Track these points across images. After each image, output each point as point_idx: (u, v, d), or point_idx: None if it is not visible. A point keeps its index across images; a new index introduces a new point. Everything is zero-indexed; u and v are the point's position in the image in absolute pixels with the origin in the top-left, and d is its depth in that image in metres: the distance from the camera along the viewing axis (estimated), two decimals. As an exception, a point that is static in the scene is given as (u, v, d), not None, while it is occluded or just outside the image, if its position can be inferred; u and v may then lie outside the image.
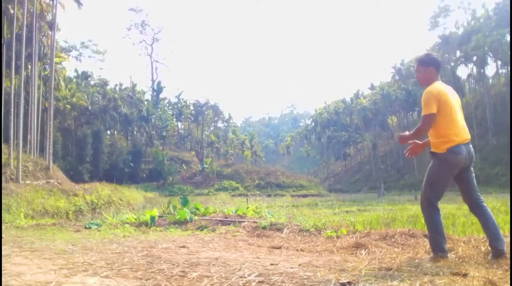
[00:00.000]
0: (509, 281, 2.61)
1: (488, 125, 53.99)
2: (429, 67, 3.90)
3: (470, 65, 66.10)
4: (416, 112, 78.18)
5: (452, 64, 67.76)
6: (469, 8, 73.52)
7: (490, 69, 65.42)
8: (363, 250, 4.15)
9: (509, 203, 13.71)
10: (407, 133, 3.91)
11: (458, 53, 66.52)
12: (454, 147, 3.52)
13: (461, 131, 3.63)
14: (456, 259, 3.45)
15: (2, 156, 25.51)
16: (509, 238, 3.78)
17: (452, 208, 15.45)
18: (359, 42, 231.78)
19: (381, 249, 4.16)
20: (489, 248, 3.53)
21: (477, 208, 3.67)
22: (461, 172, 3.63)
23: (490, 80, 64.51)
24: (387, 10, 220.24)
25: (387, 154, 75.23)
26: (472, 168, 3.72)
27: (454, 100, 3.77)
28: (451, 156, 3.52)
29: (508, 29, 49.02)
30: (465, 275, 2.81)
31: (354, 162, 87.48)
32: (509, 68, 57.36)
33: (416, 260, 3.43)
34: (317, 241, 5.12)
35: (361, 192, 57.94)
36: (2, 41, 19.64)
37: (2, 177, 22.68)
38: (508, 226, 6.05)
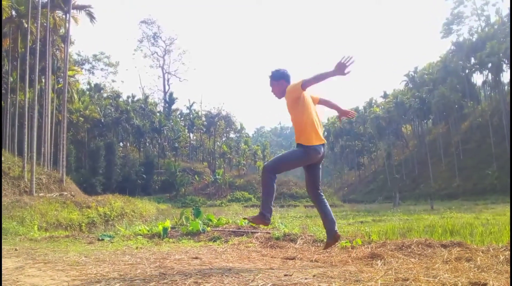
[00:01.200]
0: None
1: (504, 132, 53.20)
2: (280, 80, 4.23)
3: (485, 72, 65.50)
4: (431, 120, 77.49)
5: (467, 71, 67.19)
6: (483, 14, 72.98)
7: (506, 76, 64.77)
8: (379, 260, 4.06)
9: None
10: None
11: (472, 60, 65.95)
12: (316, 145, 3.98)
13: (321, 134, 4.09)
14: (475, 269, 3.37)
15: (17, 169, 25.84)
16: None
17: (469, 218, 15.23)
18: (371, 49, 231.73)
19: (398, 260, 4.07)
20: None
21: (318, 199, 4.21)
22: (312, 165, 4.15)
23: (506, 87, 63.80)
24: (399, 18, 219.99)
25: (402, 163, 74.60)
26: (321, 165, 4.27)
27: (313, 106, 4.22)
28: (312, 152, 3.98)
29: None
30: (484, 284, 2.74)
31: (368, 171, 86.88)
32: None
33: (434, 271, 3.35)
34: (332, 251, 5.04)
35: (375, 202, 57.45)
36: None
37: (16, 190, 22.98)
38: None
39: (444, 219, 14.60)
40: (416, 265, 3.71)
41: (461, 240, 5.12)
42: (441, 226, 10.12)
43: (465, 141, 64.05)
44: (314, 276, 3.24)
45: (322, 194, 4.27)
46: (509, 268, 3.34)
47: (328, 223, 4.13)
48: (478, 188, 49.22)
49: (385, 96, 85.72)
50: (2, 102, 37.94)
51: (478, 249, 4.32)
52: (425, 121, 78.73)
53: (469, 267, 3.46)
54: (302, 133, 4.06)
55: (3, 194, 21.17)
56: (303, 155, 4.03)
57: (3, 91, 37.81)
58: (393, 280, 3.00)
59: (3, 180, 23.44)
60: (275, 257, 4.66)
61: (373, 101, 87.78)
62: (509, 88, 60.27)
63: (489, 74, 64.94)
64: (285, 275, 3.29)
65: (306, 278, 3.12)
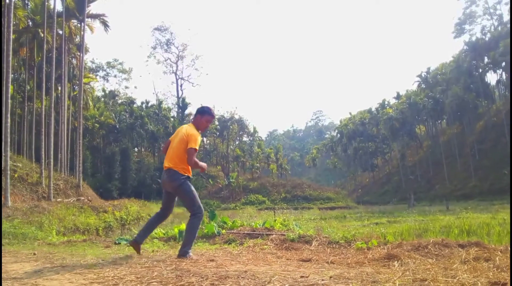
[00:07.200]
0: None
1: (520, 131, 52.28)
2: (196, 115, 5.27)
3: (499, 71, 64.65)
4: (445, 120, 76.64)
5: (480, 70, 66.37)
6: (496, 13, 72.18)
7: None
8: (396, 261, 4.03)
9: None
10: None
11: (486, 59, 65.14)
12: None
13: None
14: (494, 269, 3.33)
15: (34, 175, 26.22)
16: None
17: (486, 218, 15.00)
18: (383, 50, 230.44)
19: (415, 260, 4.04)
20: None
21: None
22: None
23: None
24: (411, 18, 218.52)
25: (416, 164, 73.83)
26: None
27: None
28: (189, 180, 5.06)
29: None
30: (504, 284, 2.71)
31: (382, 173, 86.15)
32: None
33: (452, 271, 3.32)
34: (347, 253, 5.02)
35: (390, 203, 56.92)
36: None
37: (35, 195, 23.30)
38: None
39: (460, 219, 14.43)
40: (433, 265, 3.68)
41: (479, 240, 5.06)
42: (458, 227, 10.00)
43: (480, 141, 63.18)
44: (330, 277, 3.23)
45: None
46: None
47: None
48: (494, 188, 48.43)
49: (398, 97, 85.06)
50: (19, 110, 38.61)
51: (497, 248, 4.27)
52: (439, 122, 77.89)
53: (488, 267, 3.42)
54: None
55: (22, 200, 21.50)
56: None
57: (20, 99, 38.47)
58: (411, 280, 2.98)
59: (22, 186, 23.82)
60: (290, 259, 4.66)
61: (386, 102, 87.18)
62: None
63: (503, 73, 64.09)
64: (301, 277, 3.29)
65: (322, 280, 3.12)
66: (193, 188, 5.02)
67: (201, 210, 5.00)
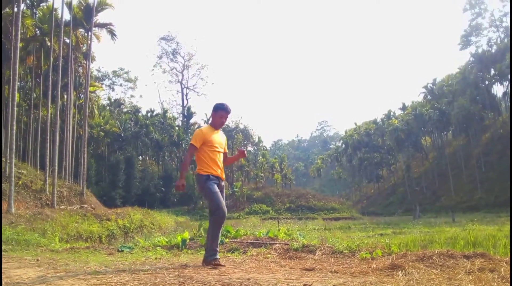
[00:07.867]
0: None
1: (527, 143, 51.94)
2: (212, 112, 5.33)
3: (506, 83, 64.54)
4: (450, 132, 76.38)
5: (487, 82, 66.24)
6: (502, 26, 72.16)
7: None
8: (400, 271, 4.00)
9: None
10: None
11: (492, 71, 65.03)
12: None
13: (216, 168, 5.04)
14: (499, 279, 3.30)
15: (39, 182, 26.31)
16: None
17: (492, 230, 14.87)
18: (389, 62, 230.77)
19: (419, 270, 4.01)
20: None
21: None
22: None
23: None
24: (418, 30, 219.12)
25: (422, 175, 73.47)
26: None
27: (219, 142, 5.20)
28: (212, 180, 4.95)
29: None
30: (509, 295, 2.68)
31: (388, 184, 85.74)
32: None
33: (456, 281, 3.29)
34: (351, 262, 4.98)
35: (395, 214, 56.61)
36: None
37: (38, 202, 23.37)
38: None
39: (466, 231, 14.31)
40: (438, 275, 3.65)
41: (484, 251, 5.01)
42: (463, 238, 9.93)
43: (486, 153, 62.86)
44: (333, 286, 3.22)
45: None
46: None
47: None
48: (500, 200, 48.06)
49: (403, 108, 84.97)
50: (25, 117, 38.86)
51: (502, 260, 4.22)
52: (444, 133, 77.63)
53: (493, 277, 3.39)
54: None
55: (25, 207, 21.57)
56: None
57: (26, 107, 38.74)
58: (415, 290, 2.96)
59: (25, 193, 23.90)
60: (293, 268, 4.63)
61: (392, 113, 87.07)
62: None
63: (510, 85, 63.94)
64: (305, 285, 3.27)
65: (325, 288, 3.10)
66: (214, 189, 4.90)
67: (220, 210, 4.82)
